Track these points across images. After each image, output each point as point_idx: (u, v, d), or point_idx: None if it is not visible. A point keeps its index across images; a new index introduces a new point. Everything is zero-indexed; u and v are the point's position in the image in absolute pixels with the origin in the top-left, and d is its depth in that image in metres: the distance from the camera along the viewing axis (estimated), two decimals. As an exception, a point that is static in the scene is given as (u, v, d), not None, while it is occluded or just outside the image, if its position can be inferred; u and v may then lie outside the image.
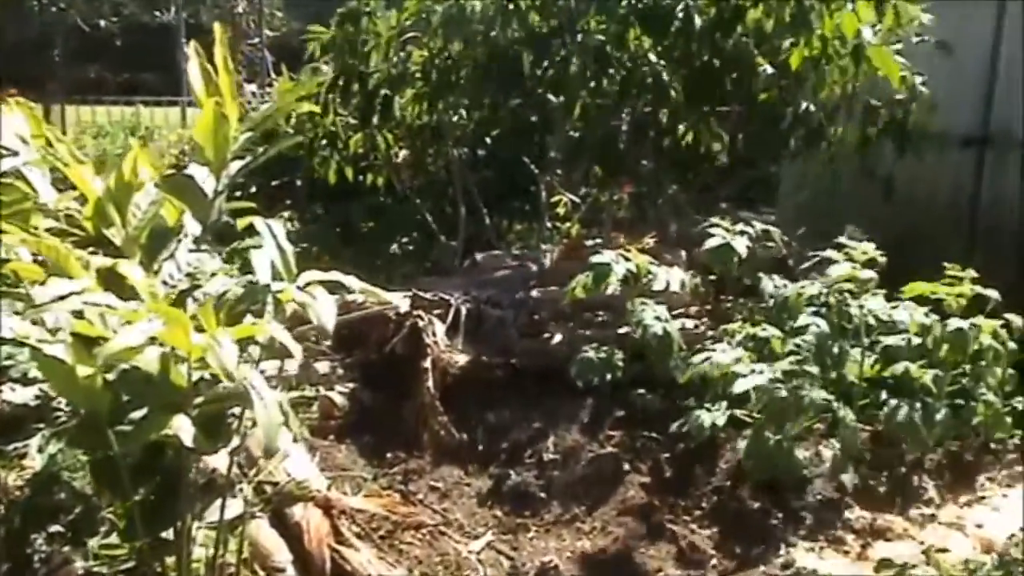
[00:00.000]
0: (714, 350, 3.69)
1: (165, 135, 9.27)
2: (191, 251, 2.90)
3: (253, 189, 7.70)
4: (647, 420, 3.98)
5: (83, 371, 2.12)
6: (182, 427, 2.21)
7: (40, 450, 2.75)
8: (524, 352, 4.51)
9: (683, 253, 5.42)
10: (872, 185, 5.78)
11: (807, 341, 3.45)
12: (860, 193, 6.18)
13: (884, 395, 3.67)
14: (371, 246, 6.29)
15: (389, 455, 4.05)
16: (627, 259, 4.00)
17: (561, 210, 7.68)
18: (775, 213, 7.48)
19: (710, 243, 3.97)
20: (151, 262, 2.85)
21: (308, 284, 2.67)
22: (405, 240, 6.55)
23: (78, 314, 2.12)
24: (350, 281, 2.83)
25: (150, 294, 2.55)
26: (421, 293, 4.57)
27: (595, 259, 3.96)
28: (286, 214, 5.96)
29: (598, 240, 6.17)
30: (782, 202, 7.86)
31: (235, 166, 3.06)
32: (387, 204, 7.31)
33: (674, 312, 4.49)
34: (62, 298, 2.11)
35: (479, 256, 5.59)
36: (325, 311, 2.59)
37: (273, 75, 12.01)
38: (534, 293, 4.94)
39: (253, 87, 9.84)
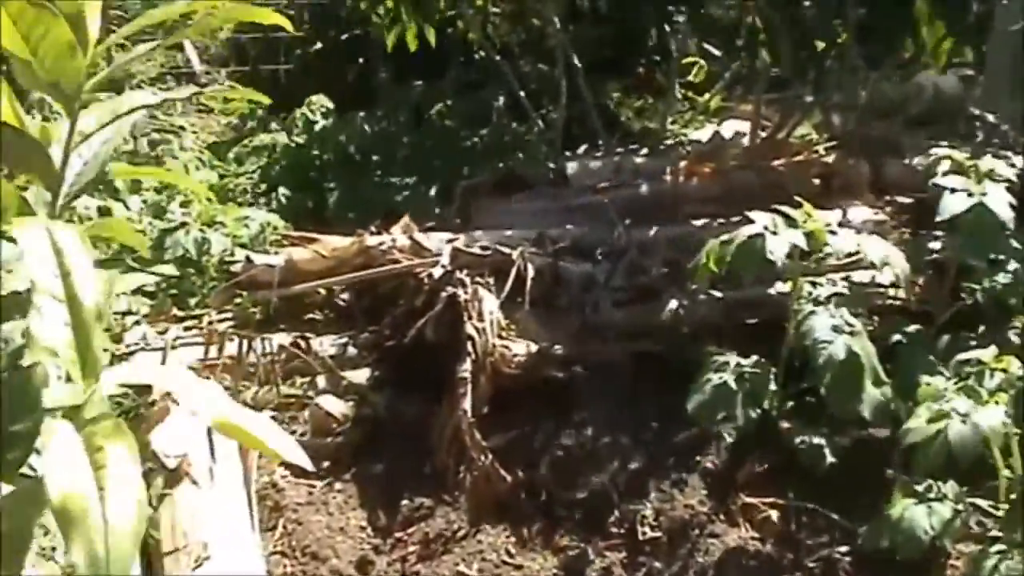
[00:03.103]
0: (945, 395, 2.10)
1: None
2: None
3: (319, 45, 6.14)
4: (814, 484, 2.45)
5: None
6: None
7: None
8: (621, 334, 3.00)
9: (866, 169, 3.70)
10: None
11: None
12: None
13: None
14: (444, 138, 4.72)
15: (406, 502, 2.68)
16: (792, 221, 2.37)
17: (697, 77, 5.89)
18: (977, 78, 5.41)
19: (949, 204, 2.28)
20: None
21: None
22: (487, 129, 4.92)
23: None
24: (209, 398, 1.38)
25: None
26: (463, 246, 3.04)
27: (743, 233, 2.34)
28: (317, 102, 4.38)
29: (740, 134, 4.46)
30: (991, 65, 5.66)
31: (130, 99, 1.69)
32: (477, 78, 5.63)
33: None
34: None
35: (570, 165, 3.97)
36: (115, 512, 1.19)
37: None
38: (644, 232, 3.35)
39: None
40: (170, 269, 3.18)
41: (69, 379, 1.34)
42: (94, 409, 1.32)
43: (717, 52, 5.73)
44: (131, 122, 1.84)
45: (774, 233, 2.29)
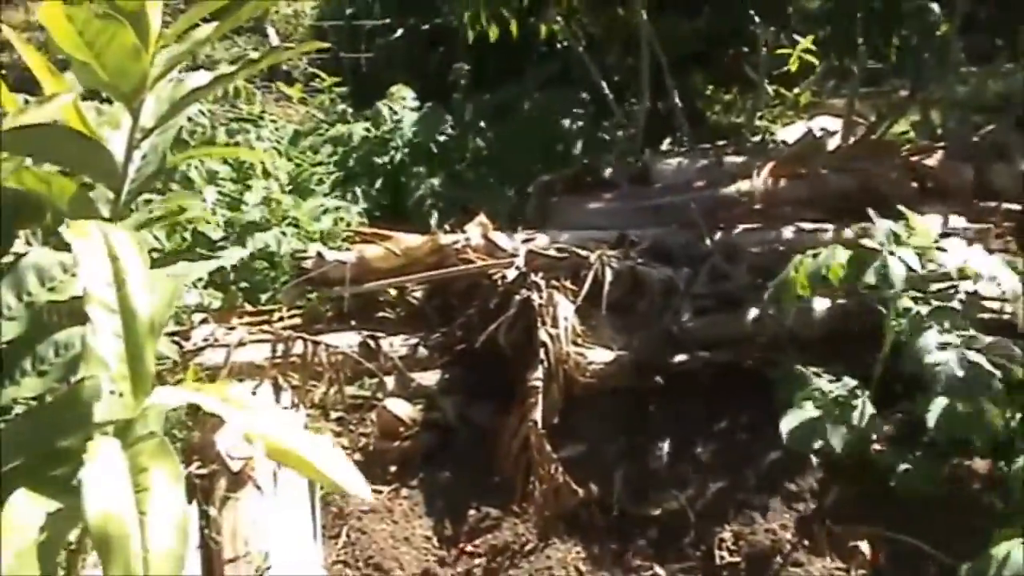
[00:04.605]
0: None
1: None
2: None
3: (399, 32, 6.04)
4: (908, 514, 2.28)
5: None
6: None
7: None
8: (702, 343, 2.85)
9: (969, 172, 3.47)
10: None
11: None
12: None
13: None
14: (524, 133, 4.59)
15: (472, 512, 2.59)
16: (897, 236, 2.19)
17: (794, 66, 5.64)
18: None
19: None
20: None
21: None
22: (569, 124, 4.77)
23: None
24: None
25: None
26: (538, 247, 2.93)
27: (863, 243, 2.18)
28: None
29: (830, 133, 4.24)
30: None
31: (187, 83, 1.62)
32: (559, 70, 5.46)
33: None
34: None
35: (653, 162, 3.82)
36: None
37: None
38: (729, 235, 3.20)
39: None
40: (239, 252, 3.12)
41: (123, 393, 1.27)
42: (145, 426, 1.24)
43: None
44: (189, 109, 1.75)
45: (891, 253, 2.11)
